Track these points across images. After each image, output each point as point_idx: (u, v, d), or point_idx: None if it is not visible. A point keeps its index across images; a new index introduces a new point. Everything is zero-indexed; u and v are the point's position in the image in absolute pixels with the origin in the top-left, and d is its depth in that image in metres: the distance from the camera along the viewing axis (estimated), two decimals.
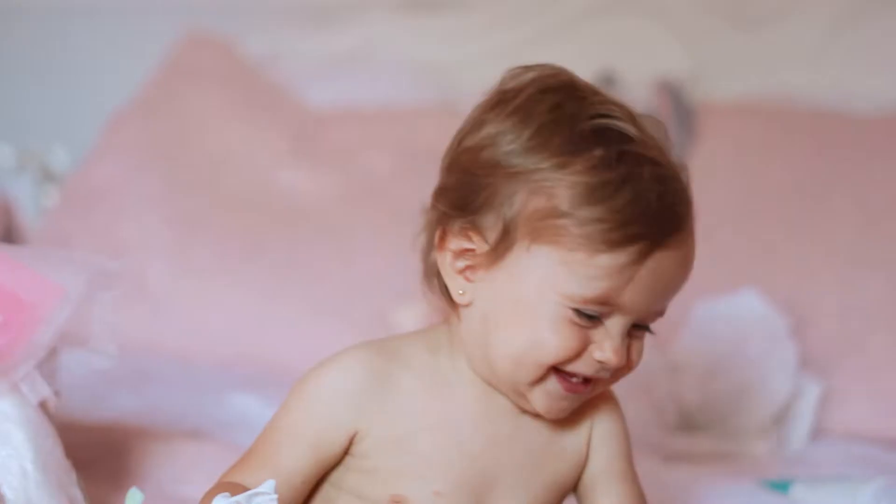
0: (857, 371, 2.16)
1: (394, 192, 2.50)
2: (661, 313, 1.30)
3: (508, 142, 1.27)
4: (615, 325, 1.27)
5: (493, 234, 1.27)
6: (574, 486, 1.38)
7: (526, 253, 1.26)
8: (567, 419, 1.35)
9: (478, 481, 1.31)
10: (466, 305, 1.31)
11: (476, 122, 1.31)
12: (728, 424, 2.07)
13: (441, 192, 1.32)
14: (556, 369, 1.28)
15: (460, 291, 1.30)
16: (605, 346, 1.27)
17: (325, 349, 1.40)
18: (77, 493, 1.43)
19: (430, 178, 1.38)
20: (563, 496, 1.38)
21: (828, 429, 2.13)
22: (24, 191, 2.76)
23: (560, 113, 1.27)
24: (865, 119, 2.54)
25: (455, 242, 1.30)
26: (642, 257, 1.24)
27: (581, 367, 1.28)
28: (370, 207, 2.54)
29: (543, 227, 1.24)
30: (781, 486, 1.80)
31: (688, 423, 2.09)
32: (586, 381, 1.29)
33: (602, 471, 1.37)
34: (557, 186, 1.24)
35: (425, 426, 1.31)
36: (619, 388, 2.10)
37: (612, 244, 1.23)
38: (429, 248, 1.35)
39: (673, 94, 2.62)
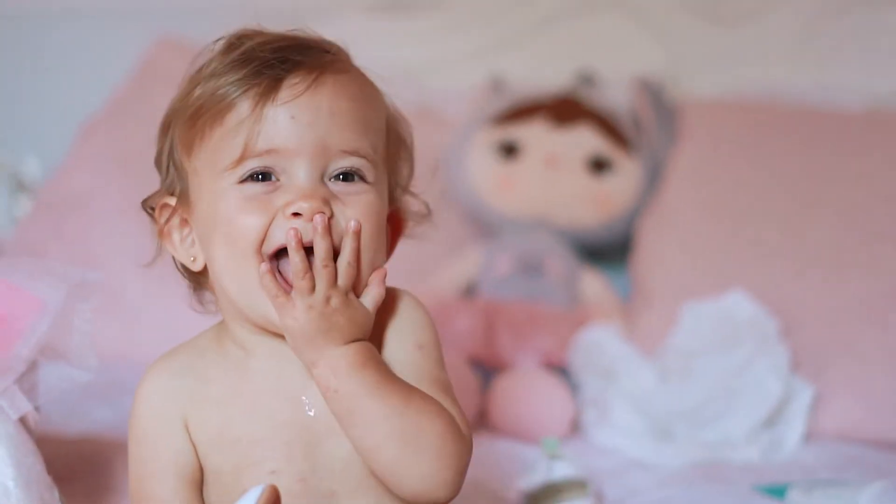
0: (847, 373, 2.13)
1: None
2: (351, 152, 1.27)
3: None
4: (297, 172, 1.25)
5: (171, 182, 1.31)
6: None
7: (195, 175, 1.28)
8: None
9: (303, 444, 1.29)
10: (203, 267, 1.31)
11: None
12: (718, 429, 2.03)
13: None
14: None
15: (191, 258, 1.31)
16: (291, 197, 1.24)
17: None
18: None
19: None
20: None
21: (819, 432, 2.09)
22: None
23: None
24: (848, 114, 2.52)
25: (164, 222, 1.32)
26: (263, 99, 1.25)
27: (281, 234, 1.23)
28: None
29: (184, 136, 1.27)
30: (777, 492, 1.77)
31: (675, 428, 2.05)
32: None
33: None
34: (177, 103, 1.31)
35: (236, 410, 1.30)
36: (617, 401, 2.08)
37: (224, 100, 1.26)
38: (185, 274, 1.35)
39: (653, 93, 2.60)
